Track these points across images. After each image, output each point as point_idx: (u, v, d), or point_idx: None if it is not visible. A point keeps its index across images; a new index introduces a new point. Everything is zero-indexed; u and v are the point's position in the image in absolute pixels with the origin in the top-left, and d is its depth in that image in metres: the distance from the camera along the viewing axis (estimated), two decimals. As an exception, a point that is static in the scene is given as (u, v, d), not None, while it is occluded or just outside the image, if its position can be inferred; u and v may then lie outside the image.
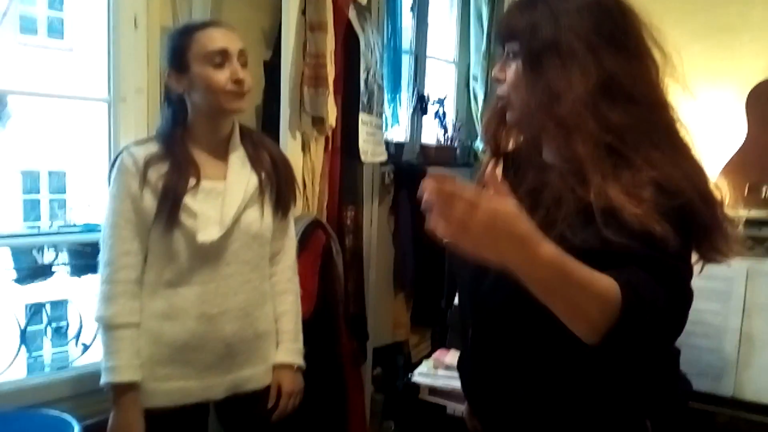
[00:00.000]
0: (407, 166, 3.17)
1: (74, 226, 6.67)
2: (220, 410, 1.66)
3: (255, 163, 1.58)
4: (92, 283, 2.50)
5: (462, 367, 1.32)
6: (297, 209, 1.88)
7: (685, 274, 0.99)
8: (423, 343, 3.27)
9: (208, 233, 1.48)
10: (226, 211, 1.50)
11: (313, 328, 1.91)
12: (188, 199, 1.48)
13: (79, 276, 2.77)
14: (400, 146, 3.29)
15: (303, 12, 2.26)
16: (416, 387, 1.72)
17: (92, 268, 2.77)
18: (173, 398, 1.52)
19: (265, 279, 1.63)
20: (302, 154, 2.28)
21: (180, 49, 1.51)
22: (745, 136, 1.75)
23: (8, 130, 7.59)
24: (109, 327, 1.47)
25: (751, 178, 1.70)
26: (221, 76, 1.47)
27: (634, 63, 1.09)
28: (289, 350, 1.66)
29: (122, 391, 1.47)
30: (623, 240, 0.94)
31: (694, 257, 1.05)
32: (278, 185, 1.61)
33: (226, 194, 1.52)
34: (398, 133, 3.45)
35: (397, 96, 3.36)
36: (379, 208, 2.90)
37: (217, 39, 1.49)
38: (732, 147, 1.76)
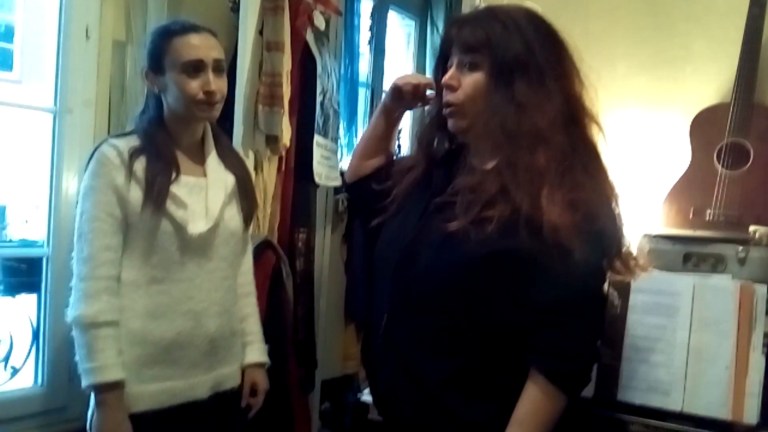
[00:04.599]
0: (361, 196, 3.16)
1: (10, 241, 6.35)
2: (202, 412, 1.59)
3: (228, 164, 1.62)
4: (27, 303, 2.39)
5: (367, 355, 1.41)
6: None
7: (593, 280, 1.18)
8: (369, 380, 3.20)
9: (197, 225, 1.49)
10: (211, 205, 1.53)
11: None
12: (175, 189, 1.48)
13: (12, 296, 2.63)
14: (354, 176, 3.29)
15: (260, 32, 2.26)
16: (365, 407, 1.67)
17: (27, 287, 2.65)
18: (160, 400, 1.49)
19: (236, 278, 1.65)
20: (255, 173, 2.25)
21: (157, 52, 1.53)
22: (690, 161, 1.79)
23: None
24: (91, 325, 1.42)
25: (695, 201, 1.74)
26: (193, 85, 1.49)
27: (580, 87, 1.19)
28: (260, 350, 1.72)
29: (107, 390, 1.42)
30: (549, 247, 1.07)
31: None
32: (245, 189, 1.65)
33: (209, 189, 1.54)
34: (353, 163, 3.45)
35: (353, 127, 3.37)
36: (332, 235, 2.86)
37: (193, 48, 1.50)
38: (677, 171, 1.80)
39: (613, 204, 1.18)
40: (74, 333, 1.45)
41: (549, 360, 1.12)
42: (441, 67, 1.27)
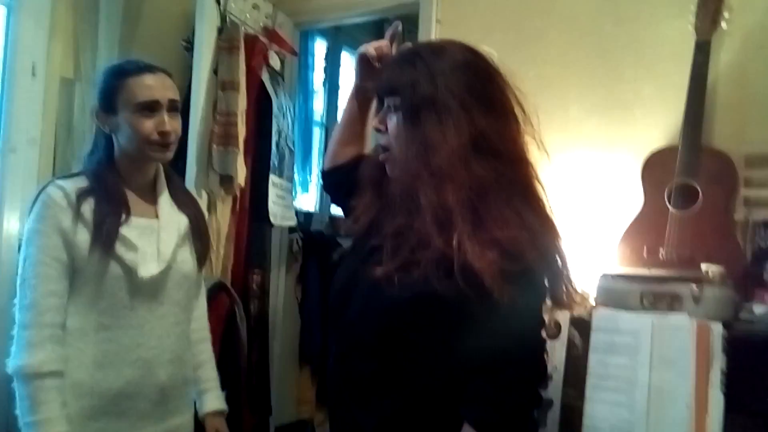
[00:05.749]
0: (317, 236, 3.13)
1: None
2: None
3: (180, 205, 1.56)
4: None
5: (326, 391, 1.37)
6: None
7: (525, 324, 1.09)
8: (328, 422, 3.11)
9: (148, 268, 1.42)
10: (163, 247, 1.46)
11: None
12: (125, 231, 1.41)
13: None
14: (309, 216, 3.26)
15: (215, 71, 2.24)
16: (325, 455, 1.62)
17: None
18: None
19: (188, 323, 1.59)
20: (208, 214, 2.20)
21: (110, 91, 1.47)
22: (643, 202, 1.83)
23: None
24: (34, 376, 1.33)
25: (649, 240, 1.77)
26: (147, 126, 1.44)
27: (501, 121, 1.17)
28: (219, 397, 1.64)
29: None
30: (471, 291, 1.02)
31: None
32: (199, 231, 1.59)
33: (161, 231, 1.48)
34: (308, 202, 3.42)
35: (308, 165, 3.36)
36: (286, 276, 2.81)
37: (148, 89, 1.45)
38: (631, 212, 1.83)
39: (546, 239, 1.12)
40: (15, 384, 1.35)
41: (478, 410, 1.06)
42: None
